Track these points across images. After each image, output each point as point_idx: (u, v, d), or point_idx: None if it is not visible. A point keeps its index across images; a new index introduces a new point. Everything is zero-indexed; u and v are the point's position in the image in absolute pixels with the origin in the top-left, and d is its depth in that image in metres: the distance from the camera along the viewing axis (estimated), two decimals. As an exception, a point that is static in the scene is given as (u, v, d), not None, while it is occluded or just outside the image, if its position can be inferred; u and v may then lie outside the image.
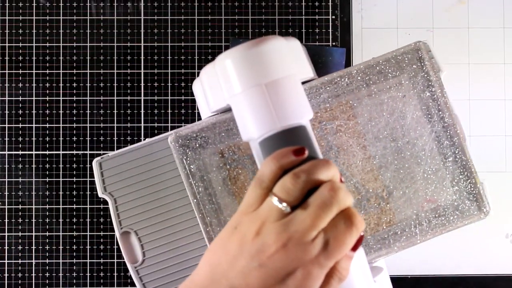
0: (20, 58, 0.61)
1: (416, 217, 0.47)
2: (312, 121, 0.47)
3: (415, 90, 0.48)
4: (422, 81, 0.48)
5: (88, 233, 0.60)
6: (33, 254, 0.60)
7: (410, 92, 0.48)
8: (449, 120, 0.47)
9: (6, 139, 0.61)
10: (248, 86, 0.41)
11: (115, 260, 0.60)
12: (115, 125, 0.61)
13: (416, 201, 0.47)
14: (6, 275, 0.60)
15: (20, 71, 0.61)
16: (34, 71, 0.61)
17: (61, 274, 0.60)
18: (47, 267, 0.60)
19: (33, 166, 0.60)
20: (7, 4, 0.61)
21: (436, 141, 0.47)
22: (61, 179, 0.60)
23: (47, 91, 0.61)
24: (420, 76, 0.47)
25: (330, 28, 0.61)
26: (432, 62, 0.48)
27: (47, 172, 0.60)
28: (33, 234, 0.60)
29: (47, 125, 0.61)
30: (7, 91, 0.61)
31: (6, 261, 0.60)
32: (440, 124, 0.47)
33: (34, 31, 0.61)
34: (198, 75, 0.61)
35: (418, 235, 0.47)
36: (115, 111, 0.61)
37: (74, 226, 0.60)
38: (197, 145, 0.48)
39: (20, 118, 0.61)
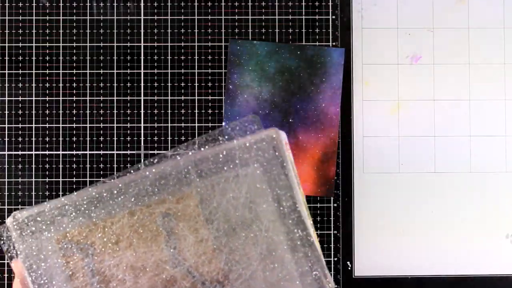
0: (20, 58, 0.61)
1: None
2: (140, 206, 0.46)
3: (248, 170, 0.47)
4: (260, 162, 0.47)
5: (88, 233, 0.60)
6: (33, 254, 0.60)
7: (243, 171, 0.46)
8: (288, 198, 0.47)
9: (6, 139, 0.61)
10: None
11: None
12: (115, 125, 0.61)
13: (254, 283, 0.46)
14: (6, 275, 0.60)
15: (20, 71, 0.61)
16: (34, 71, 0.61)
17: (61, 274, 0.60)
18: (47, 267, 0.60)
19: (33, 166, 0.61)
20: (7, 4, 0.61)
21: (273, 221, 0.46)
22: (61, 179, 0.60)
23: (47, 91, 0.61)
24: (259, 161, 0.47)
25: (330, 28, 0.61)
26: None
27: (47, 172, 0.60)
28: (33, 234, 0.60)
29: (47, 125, 0.61)
30: (7, 91, 0.61)
31: (6, 261, 0.60)
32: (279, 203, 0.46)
33: (34, 31, 0.61)
34: (197, 75, 0.61)
35: None
36: (115, 111, 0.61)
37: (74, 226, 0.60)
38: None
39: (20, 118, 0.61)
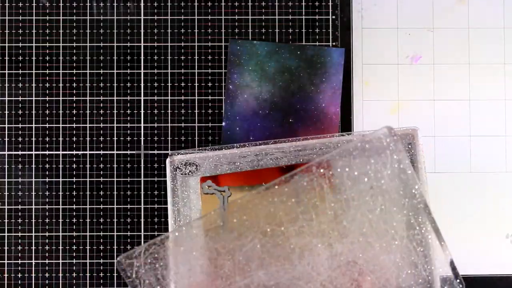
0: (20, 58, 0.61)
1: None
2: (271, 225, 0.46)
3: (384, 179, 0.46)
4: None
5: (88, 233, 0.60)
6: (33, 254, 0.60)
7: (378, 183, 0.46)
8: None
9: (6, 139, 0.61)
10: None
11: (115, 260, 0.60)
12: (115, 125, 0.61)
13: None
14: (6, 275, 0.60)
15: (20, 71, 0.61)
16: (34, 71, 0.61)
17: (61, 275, 0.60)
18: (47, 267, 0.60)
19: (33, 166, 0.61)
20: (7, 4, 0.61)
21: (406, 229, 0.46)
22: (61, 179, 0.60)
23: (47, 91, 0.61)
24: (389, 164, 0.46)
25: (330, 28, 0.61)
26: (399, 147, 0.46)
27: (47, 172, 0.60)
28: (33, 234, 0.60)
29: (47, 125, 0.61)
30: (7, 91, 0.61)
31: (6, 261, 0.60)
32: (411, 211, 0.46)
33: (34, 31, 0.61)
34: (197, 75, 0.61)
35: None
36: (115, 111, 0.61)
37: (74, 226, 0.60)
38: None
39: (20, 118, 0.61)
